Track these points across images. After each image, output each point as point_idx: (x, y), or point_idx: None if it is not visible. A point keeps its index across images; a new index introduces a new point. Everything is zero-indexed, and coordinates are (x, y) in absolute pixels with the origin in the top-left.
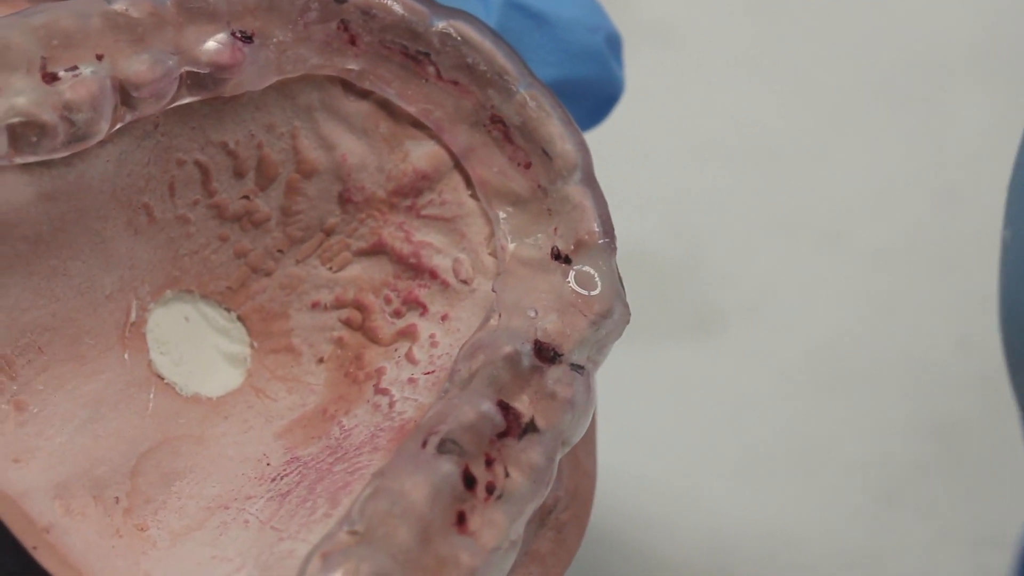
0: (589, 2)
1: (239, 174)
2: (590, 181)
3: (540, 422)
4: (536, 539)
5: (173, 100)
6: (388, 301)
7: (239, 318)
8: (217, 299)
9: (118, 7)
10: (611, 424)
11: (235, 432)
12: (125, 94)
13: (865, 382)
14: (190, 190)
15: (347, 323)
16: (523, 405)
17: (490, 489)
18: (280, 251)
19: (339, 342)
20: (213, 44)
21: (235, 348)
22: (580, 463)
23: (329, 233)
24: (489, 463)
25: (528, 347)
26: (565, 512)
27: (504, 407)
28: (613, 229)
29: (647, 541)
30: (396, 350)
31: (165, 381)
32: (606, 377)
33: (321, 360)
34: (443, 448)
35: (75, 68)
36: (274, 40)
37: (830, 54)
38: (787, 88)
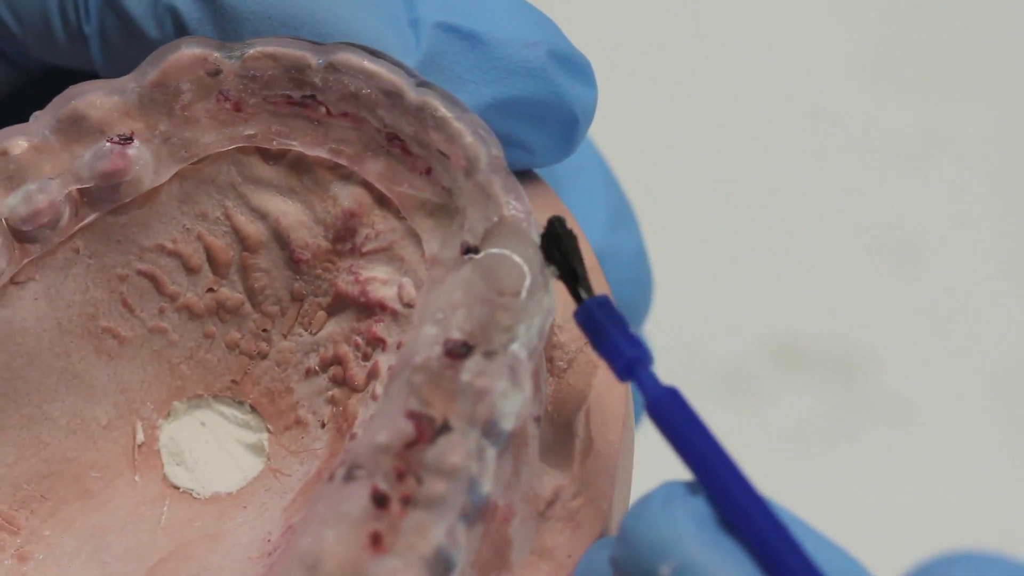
0: (532, 18)
1: (192, 270)
2: (496, 168)
3: (454, 420)
4: (541, 534)
5: (77, 221)
6: (358, 346)
7: (252, 407)
8: (227, 395)
9: None
10: None
11: (252, 518)
12: (17, 231)
13: None
14: (148, 301)
15: (334, 380)
16: (436, 409)
17: (405, 501)
18: (265, 330)
19: (333, 400)
20: (91, 156)
21: (255, 437)
22: (594, 445)
23: (300, 299)
24: (400, 476)
25: (438, 349)
26: (575, 499)
27: (415, 416)
28: (528, 208)
29: None
30: (367, 392)
31: (181, 490)
32: None
33: (323, 424)
34: (349, 476)
35: None
36: (157, 133)
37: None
38: (1011, 466)
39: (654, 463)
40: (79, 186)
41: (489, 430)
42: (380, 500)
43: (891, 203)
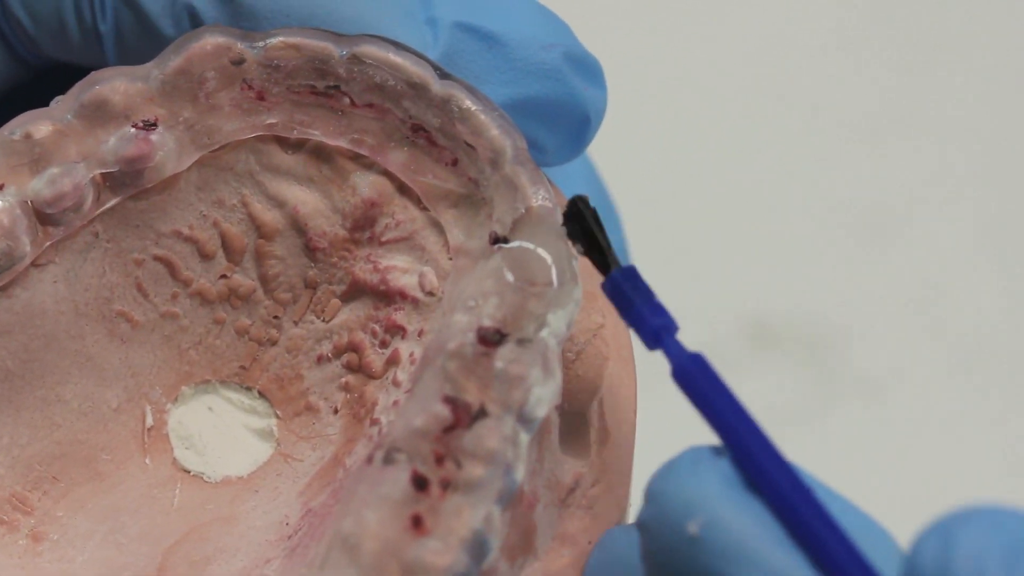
0: (547, 21)
1: (206, 256)
2: (522, 160)
3: (491, 407)
4: (562, 520)
5: (99, 205)
6: (375, 334)
7: (260, 393)
8: (235, 381)
9: (17, 134)
10: None
11: (265, 502)
12: (41, 214)
13: None
14: (162, 286)
15: (348, 367)
16: (471, 395)
17: (445, 484)
18: (276, 317)
19: (347, 387)
20: (116, 141)
21: (263, 423)
22: (610, 435)
23: (314, 287)
24: (439, 460)
25: (471, 336)
26: (594, 487)
27: (451, 401)
28: (553, 199)
29: None
30: (387, 378)
31: (192, 474)
32: None
33: (336, 410)
34: (388, 459)
35: None
36: (181, 120)
37: None
38: (982, 443)
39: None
40: (103, 170)
41: (523, 417)
42: (420, 483)
43: (863, 181)
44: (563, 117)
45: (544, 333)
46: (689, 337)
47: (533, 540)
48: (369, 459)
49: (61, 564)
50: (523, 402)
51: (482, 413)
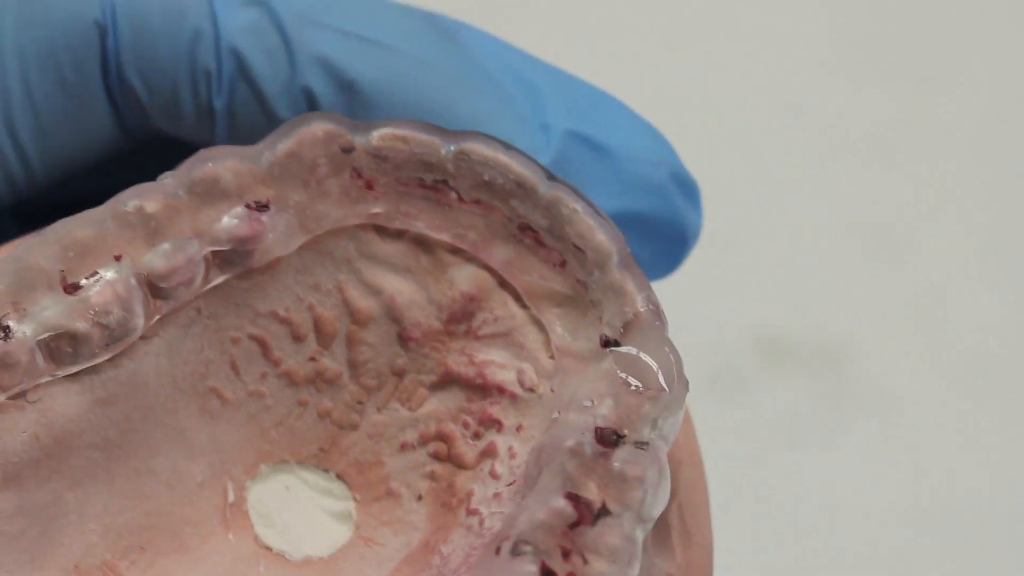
0: (654, 137)
1: (298, 338)
2: (627, 264)
3: (612, 505)
4: None
5: (206, 282)
6: (467, 426)
7: (338, 476)
8: (313, 462)
9: (130, 207)
10: None
11: None
12: (154, 287)
13: None
14: (254, 365)
15: (435, 456)
16: (592, 493)
17: None
18: (360, 403)
19: (432, 476)
20: (229, 220)
21: (340, 505)
22: (692, 536)
23: (401, 375)
24: (566, 555)
25: (589, 436)
26: None
27: (573, 498)
28: (659, 305)
29: None
30: (482, 470)
31: (274, 552)
32: None
33: (420, 497)
34: (516, 551)
35: (95, 274)
36: (291, 203)
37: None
38: (994, 458)
39: None
40: (215, 248)
41: (641, 517)
42: None
43: (872, 195)
44: (662, 234)
45: (658, 436)
46: (702, 353)
47: None
48: (497, 550)
49: None
50: (642, 502)
51: (604, 511)
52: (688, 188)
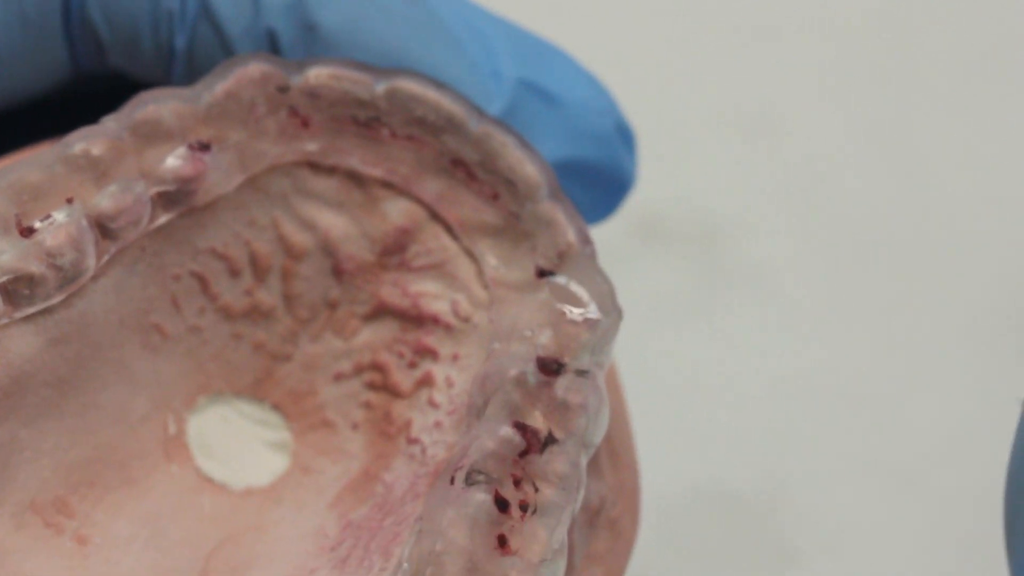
0: (598, 89)
1: (235, 273)
2: (557, 196)
3: (557, 432)
4: (592, 541)
5: (152, 221)
6: (401, 355)
7: (273, 406)
8: (248, 393)
9: (77, 150)
10: None
11: (291, 514)
12: (103, 228)
13: None
14: (193, 300)
15: (370, 385)
16: (537, 421)
17: (524, 507)
18: (294, 334)
19: (368, 405)
20: (173, 160)
21: (276, 435)
22: (620, 458)
23: (334, 306)
24: (517, 483)
25: (531, 365)
26: (615, 508)
27: (521, 427)
28: (589, 235)
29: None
30: (419, 399)
31: (216, 483)
32: None
33: (356, 426)
34: (470, 480)
35: (48, 216)
36: (231, 142)
37: (914, 293)
38: (868, 330)
39: None
40: (161, 188)
41: (584, 443)
42: (502, 505)
43: (748, 74)
44: (604, 181)
45: (597, 363)
46: None
47: (574, 560)
48: (451, 480)
49: (108, 567)
50: (584, 429)
51: (551, 439)
52: (628, 137)
